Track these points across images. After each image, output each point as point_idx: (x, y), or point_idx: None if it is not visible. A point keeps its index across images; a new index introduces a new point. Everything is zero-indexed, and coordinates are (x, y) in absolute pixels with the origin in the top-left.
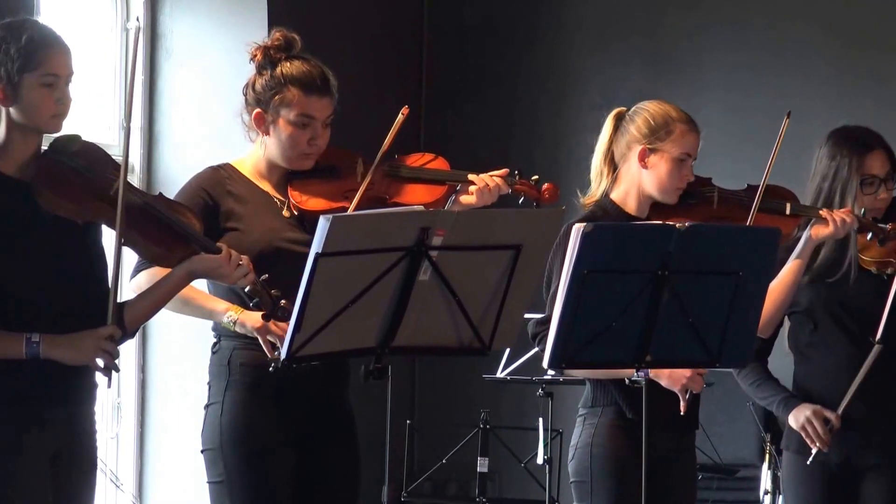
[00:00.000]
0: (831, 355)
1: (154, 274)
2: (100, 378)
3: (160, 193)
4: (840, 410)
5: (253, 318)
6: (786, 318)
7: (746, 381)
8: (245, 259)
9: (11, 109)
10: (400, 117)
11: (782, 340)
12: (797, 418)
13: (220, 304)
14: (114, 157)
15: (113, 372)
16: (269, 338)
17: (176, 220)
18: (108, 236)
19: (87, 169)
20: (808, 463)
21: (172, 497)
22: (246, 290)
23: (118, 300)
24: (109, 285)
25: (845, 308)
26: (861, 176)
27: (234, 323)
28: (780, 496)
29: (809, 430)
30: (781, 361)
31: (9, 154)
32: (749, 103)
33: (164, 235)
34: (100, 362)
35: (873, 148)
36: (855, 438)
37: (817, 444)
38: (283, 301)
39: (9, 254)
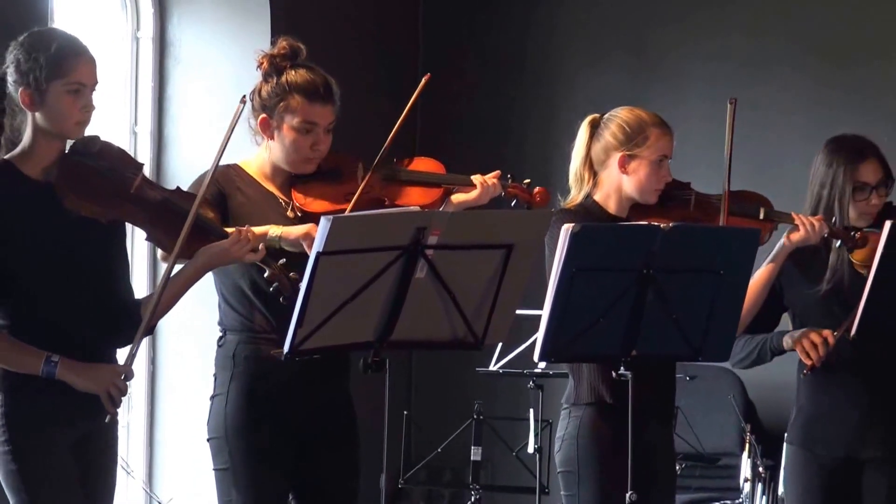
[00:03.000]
0: (833, 353)
1: None
2: (107, 404)
3: (178, 188)
4: (836, 334)
5: (298, 229)
6: (789, 321)
7: (736, 349)
8: (251, 232)
9: (37, 115)
10: (423, 81)
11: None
12: (793, 336)
13: (261, 229)
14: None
15: (116, 408)
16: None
17: (195, 213)
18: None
19: (109, 169)
20: (804, 374)
21: (180, 483)
22: (265, 275)
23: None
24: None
25: (844, 308)
26: (854, 183)
27: (280, 239)
28: (760, 484)
29: (806, 344)
30: (787, 367)
31: (33, 158)
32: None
33: (176, 226)
34: (110, 396)
35: (866, 157)
36: (856, 432)
37: (812, 358)
38: (292, 274)
39: (33, 254)
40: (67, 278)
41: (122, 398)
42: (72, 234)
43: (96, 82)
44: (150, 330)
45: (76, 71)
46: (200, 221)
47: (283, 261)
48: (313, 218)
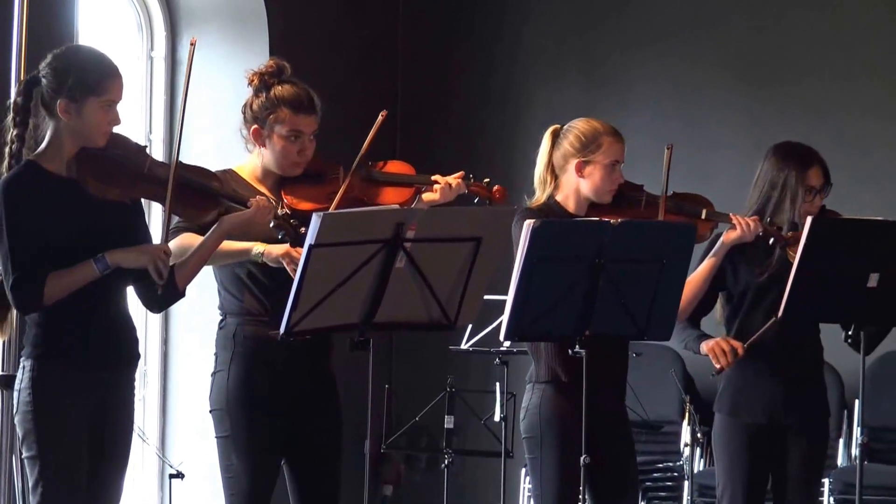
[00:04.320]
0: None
1: (185, 240)
2: (154, 275)
3: (180, 162)
4: (746, 344)
5: (278, 248)
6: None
7: (675, 333)
8: (265, 201)
9: (69, 122)
10: (379, 118)
11: None
12: (707, 344)
13: (245, 245)
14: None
15: (161, 282)
16: (292, 264)
17: (202, 182)
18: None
19: (122, 156)
20: (713, 375)
21: (190, 450)
22: (271, 225)
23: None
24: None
25: (776, 294)
26: (803, 186)
27: (262, 255)
28: (698, 448)
29: (717, 350)
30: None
31: (56, 156)
32: (670, 125)
33: (195, 198)
34: (157, 266)
35: (814, 162)
36: (778, 403)
37: (721, 363)
38: (302, 229)
39: (65, 238)
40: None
41: (165, 273)
42: (100, 218)
43: (121, 99)
44: (184, 292)
45: (111, 90)
46: (210, 189)
47: (286, 211)
48: (301, 215)
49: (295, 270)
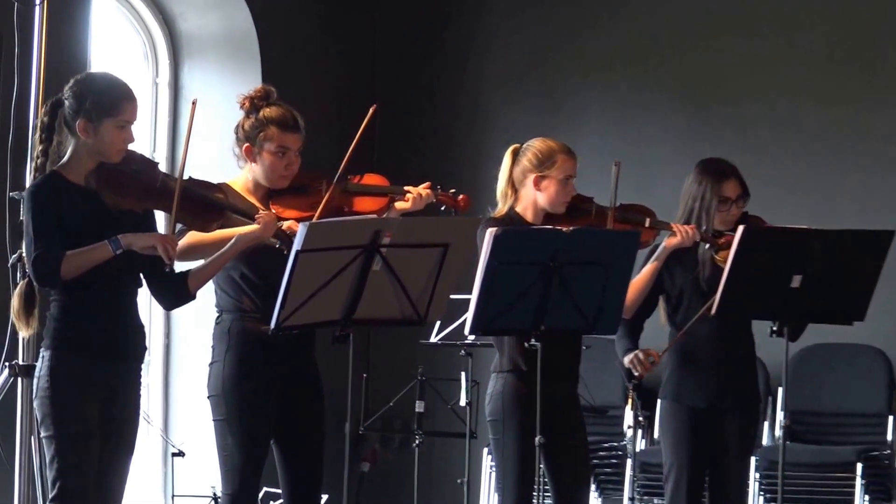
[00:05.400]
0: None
1: (190, 238)
2: (163, 255)
3: (190, 177)
4: (670, 342)
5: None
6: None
7: (617, 337)
8: (270, 216)
9: (88, 140)
10: (370, 112)
11: None
12: (627, 357)
13: (236, 230)
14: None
15: (168, 262)
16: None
17: (207, 195)
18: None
19: (137, 171)
20: (631, 383)
21: (190, 431)
22: (277, 245)
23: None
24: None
25: (708, 293)
26: (719, 197)
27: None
28: (640, 430)
29: (635, 360)
30: (659, 342)
31: (76, 168)
32: (617, 143)
33: (201, 209)
34: (165, 248)
35: (729, 176)
36: (715, 388)
37: (639, 370)
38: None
39: (85, 240)
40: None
41: (173, 254)
42: (114, 225)
43: (136, 119)
44: (195, 296)
45: (125, 112)
46: (214, 201)
47: (289, 232)
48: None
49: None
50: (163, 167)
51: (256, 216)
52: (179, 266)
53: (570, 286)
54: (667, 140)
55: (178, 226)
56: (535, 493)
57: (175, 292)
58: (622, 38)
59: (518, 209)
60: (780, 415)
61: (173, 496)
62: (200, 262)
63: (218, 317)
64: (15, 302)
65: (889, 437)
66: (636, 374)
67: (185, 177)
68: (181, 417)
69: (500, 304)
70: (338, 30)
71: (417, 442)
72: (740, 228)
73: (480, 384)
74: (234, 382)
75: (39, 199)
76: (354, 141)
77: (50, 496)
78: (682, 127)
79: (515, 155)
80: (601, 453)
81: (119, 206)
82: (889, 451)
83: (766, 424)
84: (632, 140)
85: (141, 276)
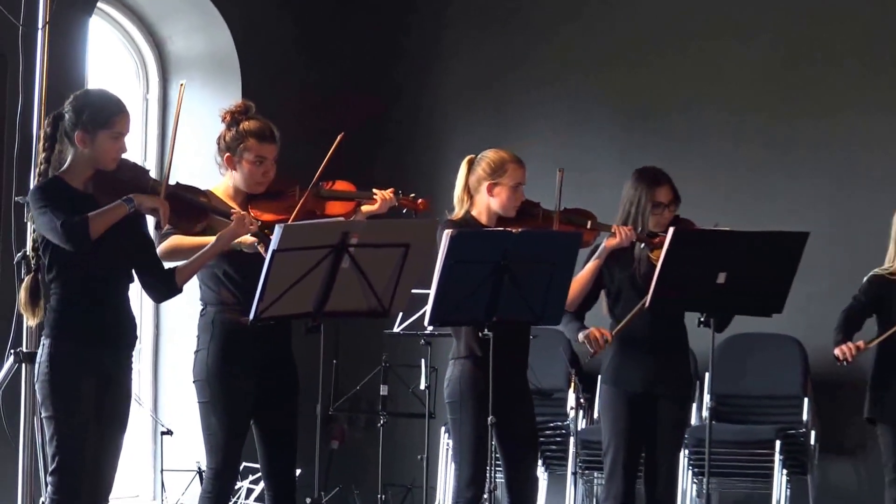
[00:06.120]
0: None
1: (173, 241)
2: (164, 220)
3: (178, 182)
4: (613, 332)
5: (250, 238)
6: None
7: (563, 323)
8: (242, 214)
9: (85, 150)
10: (338, 139)
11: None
12: (583, 333)
13: (210, 238)
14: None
15: (166, 226)
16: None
17: (193, 198)
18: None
19: (130, 178)
20: (588, 359)
21: (177, 412)
22: (250, 234)
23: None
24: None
25: (643, 287)
26: (653, 202)
27: (240, 244)
28: (581, 411)
29: (591, 338)
30: None
31: (76, 174)
32: (562, 153)
33: (188, 211)
34: (165, 213)
35: (662, 183)
36: (651, 374)
37: (594, 348)
38: (271, 236)
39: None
40: (112, 252)
41: (166, 221)
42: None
43: (129, 131)
44: (181, 290)
45: (120, 123)
46: (200, 205)
47: (259, 223)
48: (266, 226)
49: (266, 250)
50: (153, 174)
51: (231, 213)
52: (166, 265)
53: (519, 282)
54: (607, 150)
55: (167, 227)
56: (488, 468)
57: (164, 286)
58: (566, 55)
59: (473, 213)
60: (706, 397)
61: (162, 471)
62: (186, 261)
63: (202, 309)
64: (22, 295)
65: (804, 416)
66: (591, 350)
67: (173, 182)
68: (169, 399)
69: (456, 298)
70: (310, 50)
71: (382, 422)
72: (671, 230)
73: (438, 370)
74: (217, 368)
75: (46, 193)
76: (324, 162)
77: (49, 469)
78: (620, 137)
79: (471, 164)
80: (547, 432)
81: None
82: (804, 430)
83: (695, 406)
84: (575, 150)
85: (133, 272)
